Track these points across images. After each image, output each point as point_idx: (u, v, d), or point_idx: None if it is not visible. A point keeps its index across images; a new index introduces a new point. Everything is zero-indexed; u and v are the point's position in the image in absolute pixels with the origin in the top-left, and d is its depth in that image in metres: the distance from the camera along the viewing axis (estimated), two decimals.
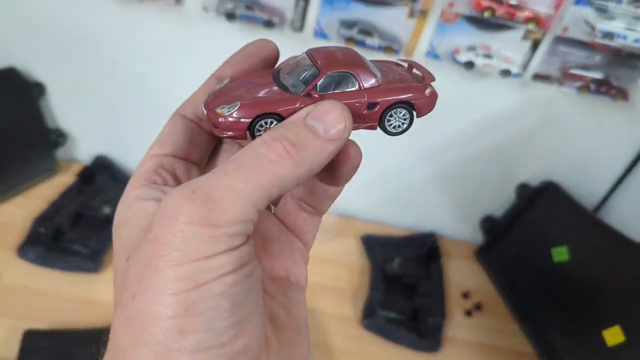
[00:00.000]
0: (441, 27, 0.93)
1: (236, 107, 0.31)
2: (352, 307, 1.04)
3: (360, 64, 0.34)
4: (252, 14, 0.93)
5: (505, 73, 0.96)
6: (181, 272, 0.24)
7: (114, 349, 0.26)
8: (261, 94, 0.32)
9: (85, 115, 1.19)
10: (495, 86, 1.01)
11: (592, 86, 0.96)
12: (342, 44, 0.96)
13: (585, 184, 1.12)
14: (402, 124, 0.35)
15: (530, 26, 0.90)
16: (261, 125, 0.31)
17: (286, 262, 0.36)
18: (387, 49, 0.95)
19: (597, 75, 0.95)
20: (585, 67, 0.95)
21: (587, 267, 1.04)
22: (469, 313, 1.09)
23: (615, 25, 0.88)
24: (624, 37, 0.88)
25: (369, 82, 0.34)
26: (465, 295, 1.13)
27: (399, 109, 0.34)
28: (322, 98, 0.32)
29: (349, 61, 0.34)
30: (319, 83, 0.32)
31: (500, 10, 0.88)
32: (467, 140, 1.12)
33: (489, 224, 1.23)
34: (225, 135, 0.32)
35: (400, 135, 0.35)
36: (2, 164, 1.08)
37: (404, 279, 1.12)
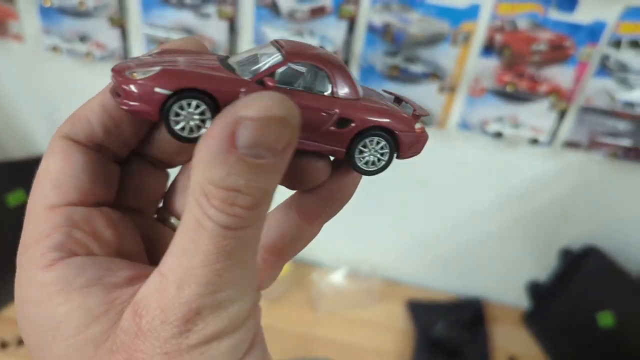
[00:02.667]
0: (470, 101, 1.00)
1: (154, 72, 0.23)
2: None
3: (340, 66, 0.26)
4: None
5: (533, 142, 1.01)
6: None
7: None
8: (196, 66, 0.24)
9: None
10: (527, 154, 1.06)
11: (620, 152, 0.99)
12: None
13: (627, 248, 1.12)
14: (378, 160, 0.27)
15: (552, 99, 0.96)
16: (181, 107, 0.23)
17: None
18: None
19: (624, 142, 0.98)
20: (613, 135, 0.99)
21: (633, 333, 1.03)
22: None
23: (636, 95, 0.92)
24: None
25: (345, 90, 0.26)
26: None
27: (376, 138, 0.26)
28: (275, 88, 0.24)
29: (327, 58, 0.26)
30: (278, 71, 0.25)
31: (522, 84, 0.95)
32: (507, 206, 1.15)
33: (535, 289, 1.23)
34: (128, 108, 0.23)
35: (375, 175, 0.28)
36: None
37: (447, 343, 1.13)
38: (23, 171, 1.13)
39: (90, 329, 0.22)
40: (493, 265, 1.26)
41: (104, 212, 0.27)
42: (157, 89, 0.22)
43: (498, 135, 1.01)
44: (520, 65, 0.95)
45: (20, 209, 1.08)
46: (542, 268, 1.21)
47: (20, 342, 0.99)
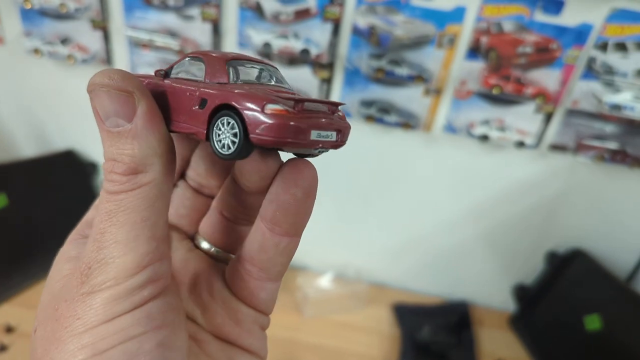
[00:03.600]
0: (456, 104, 1.00)
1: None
2: None
3: (219, 58, 0.28)
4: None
5: (520, 145, 1.00)
6: (82, 341, 0.23)
7: None
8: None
9: None
10: (514, 157, 1.05)
11: (607, 155, 0.99)
12: (363, 122, 1.03)
13: (614, 251, 1.12)
14: (233, 143, 0.26)
15: (538, 101, 0.95)
16: None
17: (234, 329, 0.32)
18: (405, 125, 1.02)
19: (611, 145, 0.98)
20: (600, 137, 0.98)
21: (620, 336, 1.02)
22: None
23: (622, 98, 0.92)
24: (632, 109, 0.92)
25: (215, 77, 0.28)
26: None
27: (226, 118, 0.26)
28: (163, 80, 0.29)
29: (206, 53, 0.29)
30: (173, 66, 0.29)
31: (508, 87, 0.94)
32: (493, 209, 1.15)
33: (521, 292, 1.23)
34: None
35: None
36: (60, 236, 1.19)
37: (434, 347, 1.12)
38: (4, 176, 1.11)
39: (57, 283, 0.27)
40: (479, 269, 1.25)
41: None
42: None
43: (484, 138, 1.01)
44: (506, 68, 0.94)
45: (2, 213, 1.07)
46: (529, 271, 1.21)
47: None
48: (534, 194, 1.10)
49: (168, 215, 0.27)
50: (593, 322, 1.06)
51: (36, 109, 1.21)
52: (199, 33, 1.01)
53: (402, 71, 0.97)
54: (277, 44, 0.98)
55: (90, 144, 1.25)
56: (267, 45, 0.99)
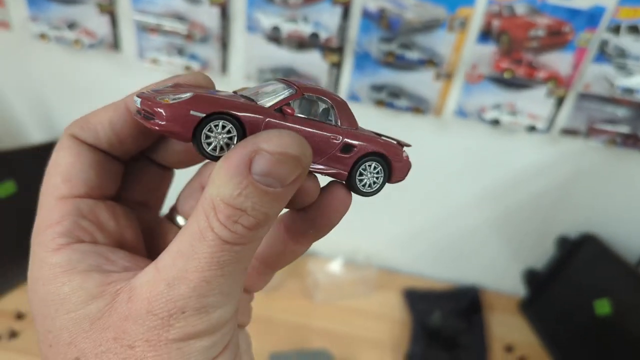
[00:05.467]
0: (467, 88, 0.99)
1: (187, 97, 0.25)
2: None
3: (343, 101, 0.30)
4: None
5: (531, 129, 0.99)
6: None
7: None
8: (219, 95, 0.27)
9: None
10: (524, 142, 1.05)
11: (619, 139, 0.98)
12: (373, 106, 1.03)
13: (625, 236, 1.12)
14: (374, 183, 0.30)
15: (550, 85, 0.95)
16: (210, 130, 0.25)
17: None
18: (416, 110, 1.01)
19: (623, 129, 0.97)
20: (612, 121, 0.98)
21: (630, 320, 1.02)
22: None
23: (635, 82, 0.91)
24: None
25: (346, 121, 0.30)
26: (509, 348, 1.12)
27: (373, 163, 0.30)
28: (291, 118, 0.27)
29: (331, 93, 0.30)
30: (292, 102, 0.28)
31: (520, 71, 0.94)
32: (504, 193, 1.14)
33: (531, 277, 1.23)
34: (160, 129, 0.25)
35: (373, 195, 0.31)
36: None
37: (444, 331, 1.13)
38: (12, 162, 1.11)
39: (88, 306, 0.25)
40: (490, 254, 1.25)
41: (109, 205, 0.30)
42: (192, 112, 0.25)
43: (495, 122, 1.00)
44: (518, 52, 0.93)
45: (11, 200, 1.07)
46: (539, 256, 1.21)
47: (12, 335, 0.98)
48: (544, 178, 1.10)
49: None
50: (603, 307, 1.06)
51: (44, 95, 1.20)
52: (207, 17, 1.00)
53: (413, 55, 0.96)
54: (286, 27, 0.98)
55: None
56: (275, 29, 0.98)
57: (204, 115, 0.25)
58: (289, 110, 0.27)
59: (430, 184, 1.15)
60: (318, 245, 1.23)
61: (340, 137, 0.29)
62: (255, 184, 0.23)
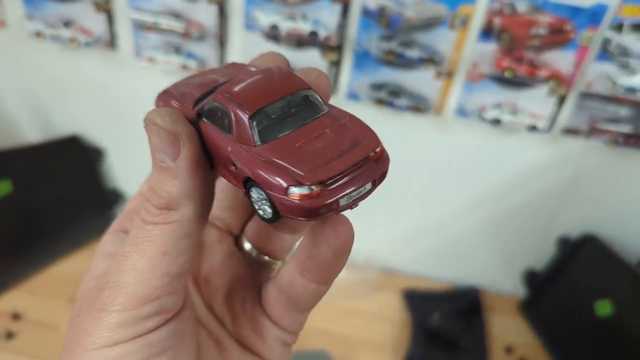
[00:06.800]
0: (468, 87, 0.98)
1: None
2: None
3: (253, 106, 0.26)
4: None
5: (532, 128, 0.98)
6: (90, 358, 0.25)
7: None
8: (184, 100, 0.30)
9: (139, 176, 1.28)
10: (526, 141, 1.04)
11: (621, 139, 0.97)
12: (372, 105, 1.02)
13: (626, 236, 1.11)
14: (264, 210, 0.26)
15: (551, 84, 0.93)
16: None
17: (257, 341, 0.33)
18: (416, 109, 1.00)
19: (625, 128, 0.96)
20: (614, 121, 0.97)
21: (631, 321, 1.01)
22: None
23: (638, 80, 0.90)
24: None
25: (241, 136, 0.26)
26: (509, 350, 1.11)
27: (258, 189, 0.26)
28: (199, 122, 0.28)
29: (250, 97, 0.27)
30: (203, 106, 0.28)
31: (521, 70, 0.93)
32: (504, 193, 1.13)
33: (532, 278, 1.22)
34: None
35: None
36: (65, 222, 1.18)
37: (444, 333, 1.12)
38: (8, 162, 1.10)
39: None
40: (490, 254, 1.24)
41: None
42: None
43: (496, 122, 0.99)
44: (519, 50, 0.92)
45: (6, 200, 1.06)
46: (540, 256, 1.20)
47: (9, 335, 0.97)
48: (545, 178, 1.09)
49: (191, 255, 0.28)
50: (604, 308, 1.05)
51: (40, 94, 1.19)
52: (205, 15, 0.99)
53: (413, 53, 0.95)
54: (285, 25, 0.96)
55: (95, 129, 1.23)
56: (274, 27, 0.97)
57: None
58: (194, 115, 0.28)
59: (430, 183, 1.14)
60: None
61: (227, 150, 0.27)
62: (154, 162, 0.26)
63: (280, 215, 0.25)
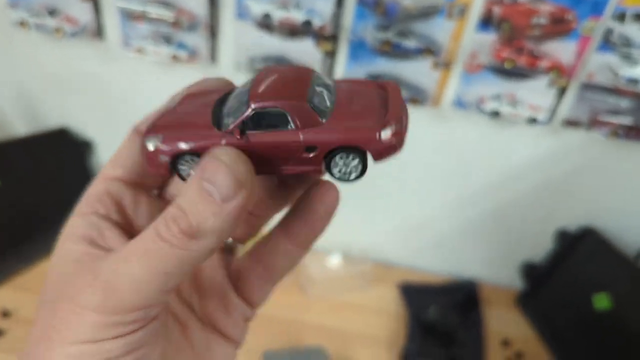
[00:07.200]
0: (466, 77, 0.95)
1: (160, 140, 0.29)
2: (388, 356, 1.04)
3: (300, 96, 0.29)
4: None
5: (532, 121, 0.96)
6: (69, 351, 0.25)
7: None
8: (190, 128, 0.30)
9: None
10: (525, 133, 1.02)
11: (621, 131, 0.95)
12: None
13: (625, 229, 1.10)
14: (351, 170, 0.30)
15: (552, 75, 0.91)
16: (184, 163, 0.29)
17: (223, 317, 0.35)
18: (413, 100, 0.98)
19: (626, 120, 0.94)
20: (615, 112, 0.94)
21: (629, 315, 1.00)
22: None
23: (639, 72, 0.88)
24: None
25: (305, 122, 0.29)
26: (506, 343, 1.10)
27: (344, 154, 0.29)
28: (245, 138, 0.29)
29: (288, 92, 0.29)
30: (245, 119, 0.29)
31: (521, 60, 0.90)
32: (502, 186, 1.12)
33: (529, 271, 1.21)
34: (151, 173, 0.30)
35: (356, 180, 0.30)
36: (55, 216, 1.16)
37: (440, 327, 1.11)
38: None
39: (65, 267, 0.28)
40: (488, 247, 1.23)
41: (136, 194, 0.32)
42: (161, 158, 0.29)
43: (495, 114, 0.97)
44: (520, 40, 0.90)
45: None
46: (538, 249, 1.19)
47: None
48: (545, 171, 1.07)
49: (189, 276, 0.31)
50: (602, 301, 1.04)
51: (26, 85, 1.16)
52: (195, 4, 0.96)
53: (410, 43, 0.93)
54: (278, 14, 0.93)
55: (84, 121, 1.20)
56: (266, 16, 0.94)
57: (169, 160, 0.29)
58: (237, 137, 0.28)
59: (427, 176, 1.12)
60: None
61: (299, 140, 0.28)
62: (201, 187, 0.25)
63: (377, 160, 0.29)
